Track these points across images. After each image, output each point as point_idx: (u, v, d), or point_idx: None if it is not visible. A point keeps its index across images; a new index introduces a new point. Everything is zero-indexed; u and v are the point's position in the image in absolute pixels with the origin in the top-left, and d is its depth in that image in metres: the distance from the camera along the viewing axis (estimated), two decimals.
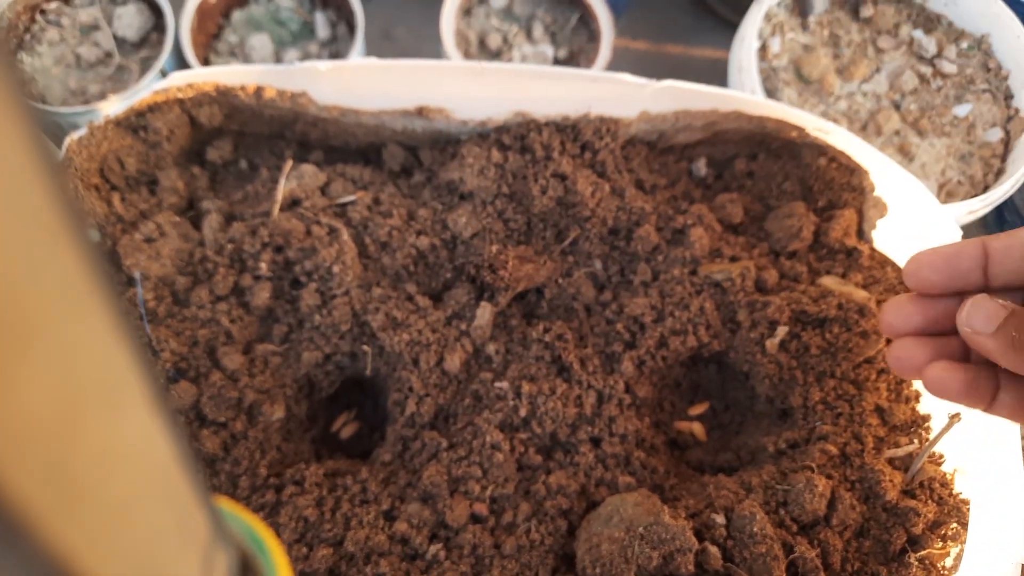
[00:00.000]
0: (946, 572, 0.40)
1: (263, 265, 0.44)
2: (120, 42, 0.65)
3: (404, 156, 0.50)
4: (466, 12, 0.68)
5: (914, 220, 0.46)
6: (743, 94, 0.46)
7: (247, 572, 0.13)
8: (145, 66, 0.65)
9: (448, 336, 0.44)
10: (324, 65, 0.42)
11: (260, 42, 0.67)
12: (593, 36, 0.67)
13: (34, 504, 0.08)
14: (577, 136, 0.47)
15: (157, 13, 0.66)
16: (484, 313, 0.44)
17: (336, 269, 0.44)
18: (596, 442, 0.43)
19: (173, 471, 0.10)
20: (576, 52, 0.68)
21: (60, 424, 0.08)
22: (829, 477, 0.40)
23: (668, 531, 0.37)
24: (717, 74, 0.70)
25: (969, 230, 0.72)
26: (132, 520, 0.09)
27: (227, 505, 0.14)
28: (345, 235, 0.44)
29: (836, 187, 0.48)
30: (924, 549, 0.40)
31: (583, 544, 0.38)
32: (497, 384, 0.43)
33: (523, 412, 0.42)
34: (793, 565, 0.38)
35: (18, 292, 0.08)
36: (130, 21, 0.65)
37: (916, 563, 0.40)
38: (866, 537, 0.41)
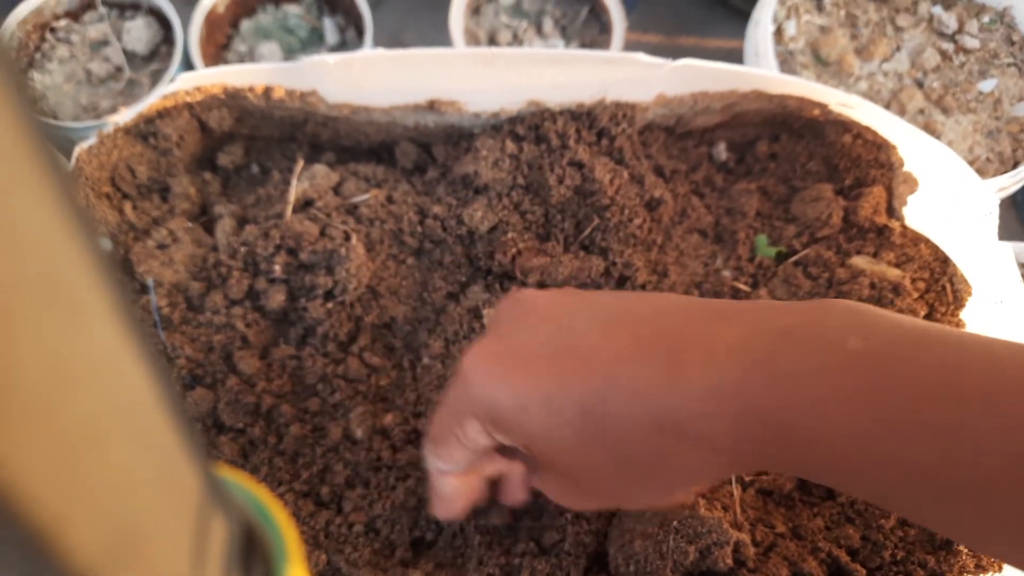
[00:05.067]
0: (995, 560, 0.38)
1: (277, 267, 0.43)
2: (130, 56, 0.65)
3: (417, 153, 0.49)
4: (475, 11, 0.68)
5: (949, 194, 0.44)
6: (762, 71, 0.44)
7: (252, 547, 0.12)
8: (156, 79, 0.64)
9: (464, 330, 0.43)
10: (333, 58, 0.42)
11: (269, 50, 0.66)
12: (604, 28, 0.66)
13: None
14: (593, 123, 0.46)
15: (166, 26, 0.66)
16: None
17: (349, 270, 0.43)
18: None
19: (152, 409, 0.09)
20: (588, 45, 0.67)
21: None
22: None
23: (704, 524, 0.35)
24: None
25: (999, 208, 0.70)
26: (99, 457, 0.08)
27: (228, 472, 0.13)
28: (355, 240, 0.43)
29: (863, 164, 0.46)
30: None
31: (615, 541, 0.37)
32: None
33: None
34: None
35: None
36: (139, 35, 0.65)
37: (965, 551, 0.38)
38: (911, 525, 0.39)
